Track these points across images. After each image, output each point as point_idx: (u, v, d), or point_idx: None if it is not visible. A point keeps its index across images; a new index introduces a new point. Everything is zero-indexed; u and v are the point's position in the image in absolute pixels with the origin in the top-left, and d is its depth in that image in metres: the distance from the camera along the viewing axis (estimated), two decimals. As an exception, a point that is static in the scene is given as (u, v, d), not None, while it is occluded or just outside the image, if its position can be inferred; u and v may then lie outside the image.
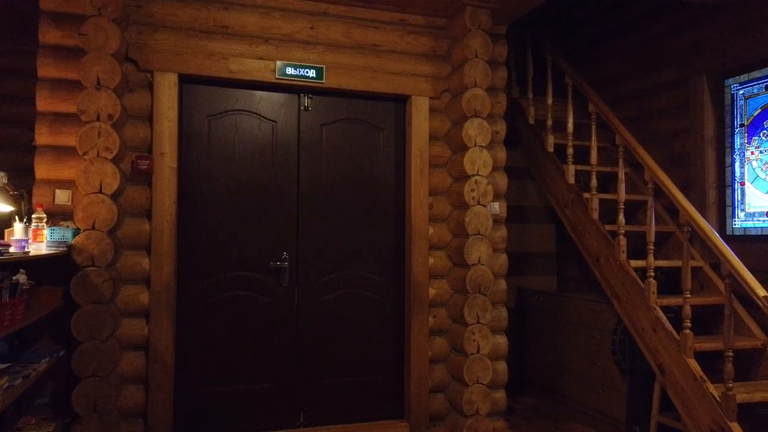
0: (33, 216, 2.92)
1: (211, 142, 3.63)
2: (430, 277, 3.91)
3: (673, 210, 4.05)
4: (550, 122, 4.62)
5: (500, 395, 4.01)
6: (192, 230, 3.57)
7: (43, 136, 3.27)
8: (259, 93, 3.71)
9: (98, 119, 3.09)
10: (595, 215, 4.14)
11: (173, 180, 3.41)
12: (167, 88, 3.41)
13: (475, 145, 3.74)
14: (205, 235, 3.59)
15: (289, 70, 3.63)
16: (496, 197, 4.07)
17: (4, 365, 2.01)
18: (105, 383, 3.06)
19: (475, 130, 3.74)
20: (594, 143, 4.25)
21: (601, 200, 4.20)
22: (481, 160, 3.74)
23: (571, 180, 4.39)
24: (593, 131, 4.27)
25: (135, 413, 3.32)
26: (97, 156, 3.09)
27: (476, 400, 3.70)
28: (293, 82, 3.66)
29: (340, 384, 3.81)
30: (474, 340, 3.71)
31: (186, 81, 3.55)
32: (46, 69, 3.29)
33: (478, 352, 3.71)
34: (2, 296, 2.03)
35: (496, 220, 4.04)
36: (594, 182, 4.17)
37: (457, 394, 3.79)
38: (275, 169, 3.73)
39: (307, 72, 3.67)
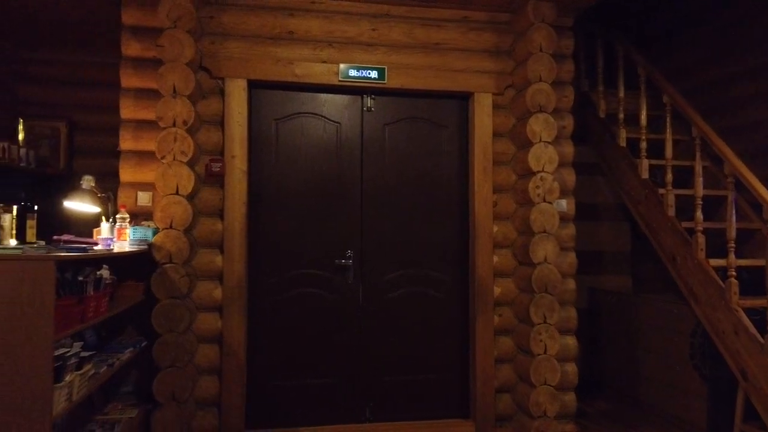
0: (117, 216, 3.14)
1: (278, 144, 3.76)
2: (495, 276, 3.87)
3: (756, 205, 3.80)
4: (621, 115, 4.45)
5: (570, 398, 3.90)
6: (261, 229, 3.72)
7: (126, 142, 3.51)
8: (323, 95, 3.81)
9: (174, 125, 3.28)
10: (671, 212, 3.95)
11: (243, 181, 3.57)
12: (237, 94, 3.57)
13: (540, 140, 3.66)
14: (273, 233, 3.73)
15: (352, 72, 3.71)
16: (564, 194, 3.96)
17: (90, 353, 2.18)
18: (182, 374, 3.24)
19: (539, 126, 3.66)
20: (669, 136, 4.05)
21: (677, 196, 4.00)
22: (547, 156, 3.66)
23: (645, 175, 4.21)
24: (668, 123, 4.07)
25: (210, 402, 3.50)
26: (174, 159, 3.28)
27: (544, 401, 3.62)
28: (356, 84, 3.73)
29: (404, 381, 3.84)
30: (541, 341, 3.63)
31: (254, 86, 3.70)
32: (129, 79, 3.53)
33: (545, 352, 3.64)
34: (87, 289, 2.21)
35: (564, 218, 3.93)
36: (669, 177, 3.98)
37: (523, 395, 3.72)
38: (339, 169, 3.82)
39: (369, 73, 3.73)
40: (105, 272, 2.43)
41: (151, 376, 3.27)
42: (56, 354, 1.92)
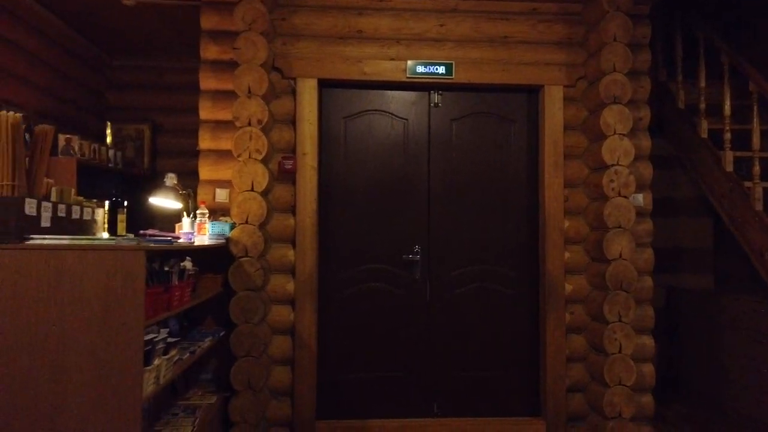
0: (197, 212, 3.31)
1: (347, 141, 3.84)
2: (566, 273, 3.79)
3: None
4: (703, 105, 4.24)
5: (647, 399, 3.76)
6: (331, 225, 3.81)
7: (205, 141, 3.69)
8: (390, 93, 3.86)
9: (249, 124, 3.42)
10: (759, 206, 3.72)
11: (314, 178, 3.67)
12: (308, 93, 3.67)
13: (615, 133, 3.55)
14: (342, 229, 3.81)
15: (419, 69, 3.73)
16: (640, 188, 3.82)
17: (175, 339, 2.32)
18: (257, 363, 3.37)
19: (614, 118, 3.55)
20: (756, 126, 3.82)
21: (765, 189, 3.76)
22: (622, 149, 3.54)
23: (730, 168, 3.99)
24: (755, 113, 3.84)
25: (283, 392, 3.62)
26: (249, 157, 3.41)
27: (618, 402, 3.51)
28: (423, 80, 3.75)
29: (472, 377, 3.83)
30: (615, 339, 3.52)
31: (324, 85, 3.79)
32: (207, 81, 3.70)
33: (620, 351, 3.52)
34: (173, 279, 2.35)
35: (640, 213, 3.79)
36: (757, 169, 3.76)
37: (597, 395, 3.62)
38: (407, 165, 3.85)
39: (436, 69, 3.74)
40: (188, 264, 2.58)
41: (228, 364, 3.42)
42: (145, 339, 2.05)
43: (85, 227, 2.44)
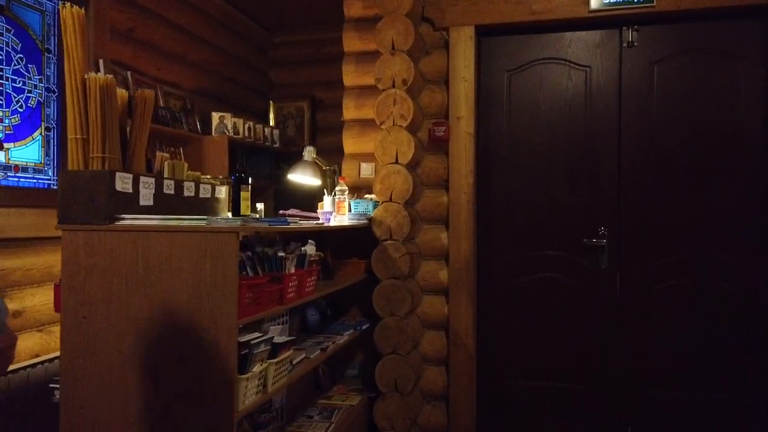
0: (336, 189, 2.93)
1: (510, 100, 3.16)
2: (827, 266, 2.69)
3: None
4: None
5: None
6: (491, 202, 3.19)
7: (349, 110, 3.30)
8: (567, 34, 3.08)
9: (393, 86, 2.94)
10: None
11: (470, 146, 3.07)
12: (463, 44, 3.07)
13: None
14: (505, 206, 3.17)
15: (606, -1, 2.89)
16: None
17: (289, 339, 1.94)
18: (404, 362, 2.92)
19: None
20: None
21: None
22: None
23: None
24: None
25: (436, 396, 3.13)
26: (393, 125, 2.94)
27: None
28: (613, 12, 2.90)
29: (680, 397, 2.94)
30: None
31: (483, 33, 3.15)
32: (351, 42, 3.30)
33: None
34: (287, 267, 1.97)
35: None
36: None
37: None
38: (589, 125, 3.06)
39: (629, -4, 2.87)
40: (310, 248, 2.19)
41: (374, 361, 3.02)
42: (243, 340, 1.69)
43: (200, 206, 2.18)
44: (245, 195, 2.38)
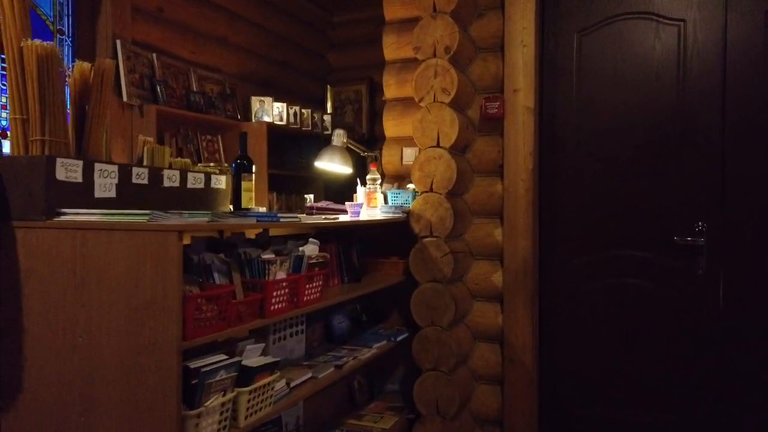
0: (367, 177, 2.54)
1: (581, 67, 2.60)
2: None
3: None
4: None
5: None
6: (555, 190, 2.65)
7: (390, 88, 2.89)
8: (654, -19, 2.47)
9: (435, 55, 2.49)
10: None
11: (530, 124, 2.56)
12: (521, 1, 2.56)
13: None
14: (574, 196, 2.62)
15: (705, -70, 2.26)
16: None
17: (274, 360, 1.58)
18: (447, 381, 2.48)
19: None
20: None
21: None
22: None
23: None
24: None
25: (489, 419, 2.67)
26: (434, 101, 2.49)
27: None
28: (712, -52, 2.27)
29: (805, 444, 2.28)
30: None
31: (546, -12, 2.62)
32: (392, 8, 2.88)
33: None
34: (269, 272, 1.61)
35: None
36: None
37: None
38: (682, 96, 2.44)
39: (737, -76, 2.22)
40: (311, 248, 1.82)
41: (416, 375, 2.61)
42: (195, 366, 1.34)
43: (190, 199, 1.87)
44: (248, 185, 2.04)
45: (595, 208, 2.58)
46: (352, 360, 2.15)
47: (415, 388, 2.53)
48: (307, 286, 1.78)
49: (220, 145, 3.43)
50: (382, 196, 2.67)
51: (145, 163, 1.80)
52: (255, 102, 3.53)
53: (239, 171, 2.04)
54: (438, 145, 2.48)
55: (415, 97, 2.54)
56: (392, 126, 2.87)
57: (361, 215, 2.45)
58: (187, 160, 1.93)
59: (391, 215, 2.51)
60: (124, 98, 2.73)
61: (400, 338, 2.54)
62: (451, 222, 2.46)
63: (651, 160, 2.49)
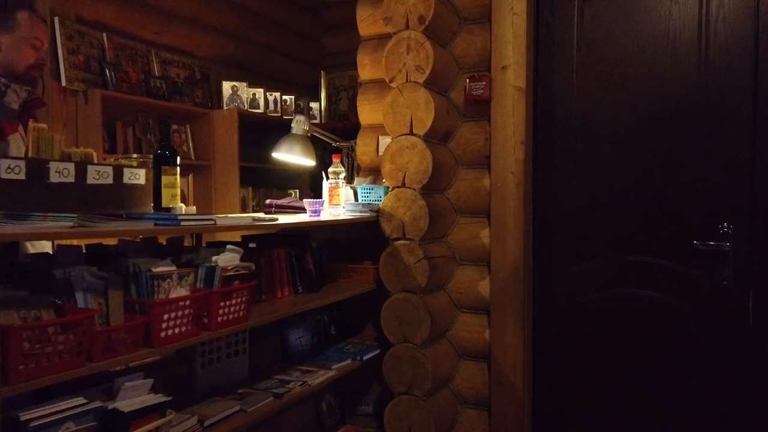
0: (329, 170, 2.20)
1: (582, 39, 2.21)
2: None
3: None
4: None
5: None
6: (553, 185, 2.27)
7: (365, 68, 2.53)
8: (669, -68, 2.05)
9: (408, 26, 2.12)
10: None
11: (521, 106, 2.17)
12: (510, -37, 2.17)
13: None
14: (573, 191, 2.23)
15: None
16: None
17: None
18: (421, 407, 2.13)
19: None
20: None
21: None
22: None
23: None
24: None
25: (475, 450, 2.31)
26: (407, 81, 2.13)
27: None
28: None
29: None
30: None
31: (541, -54, 2.22)
32: (367, -22, 2.52)
33: None
34: (161, 290, 1.28)
35: None
36: None
37: None
38: (704, 70, 2.03)
39: None
40: (227, 257, 1.48)
41: (390, 398, 2.27)
42: (26, 418, 1.02)
43: (92, 197, 1.55)
44: (170, 180, 1.71)
45: (600, 205, 2.19)
46: (299, 387, 1.82)
47: (385, 414, 2.19)
48: (222, 303, 1.45)
49: (188, 135, 3.12)
50: (351, 191, 2.32)
51: (30, 154, 1.49)
52: (226, 87, 3.22)
53: (158, 163, 1.71)
54: (411, 133, 2.12)
55: (385, 77, 2.19)
56: (367, 111, 2.52)
57: (322, 215, 2.11)
58: (90, 150, 1.61)
59: (358, 215, 2.16)
60: (63, 83, 2.44)
61: (367, 356, 2.19)
62: (425, 222, 2.10)
63: (666, 149, 2.08)
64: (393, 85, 2.16)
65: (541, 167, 2.27)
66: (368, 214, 2.16)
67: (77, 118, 2.54)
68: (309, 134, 2.34)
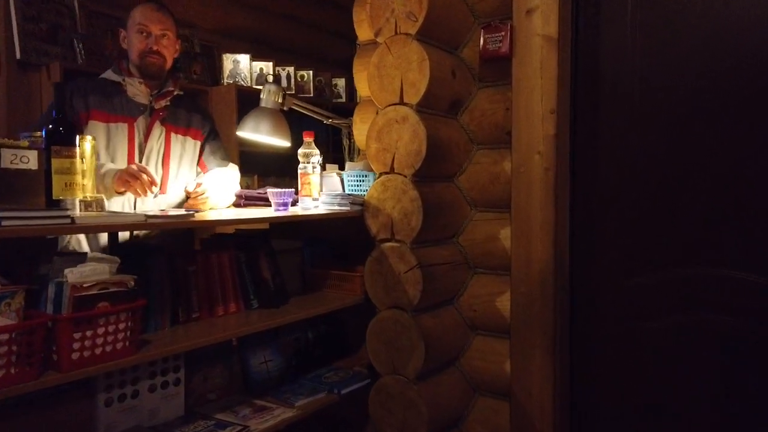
0: (298, 152, 1.73)
1: (640, -35, 1.60)
2: None
3: None
4: None
5: None
6: (597, 172, 1.68)
7: (362, 26, 2.04)
8: None
9: (398, -37, 1.62)
10: None
11: (551, 64, 1.61)
12: None
13: None
14: (624, 182, 1.64)
15: None
16: None
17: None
18: (415, 457, 1.64)
19: None
20: None
21: None
22: None
23: None
24: None
25: None
26: (396, 33, 1.63)
27: None
28: None
29: None
30: None
31: None
32: None
33: None
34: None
35: None
36: None
37: None
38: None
39: None
40: (92, 268, 1.06)
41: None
42: None
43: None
44: (63, 164, 1.33)
45: (661, 199, 1.59)
46: (239, 435, 1.39)
47: (371, 463, 1.73)
48: (78, 335, 1.03)
49: (185, 115, 2.76)
50: (337, 179, 1.86)
51: None
52: (227, 61, 2.83)
53: (48, 143, 1.32)
54: (402, 102, 1.62)
55: (371, 29, 1.69)
56: (365, 80, 2.03)
57: (290, 208, 1.66)
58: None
59: (336, 209, 1.69)
60: (18, 55, 2.13)
61: (349, 389, 1.72)
62: (418, 219, 1.59)
63: (742, 132, 1.45)
64: (379, 39, 1.67)
65: (581, 147, 1.69)
66: (348, 209, 1.68)
67: (42, 96, 2.23)
68: (285, 108, 1.88)
